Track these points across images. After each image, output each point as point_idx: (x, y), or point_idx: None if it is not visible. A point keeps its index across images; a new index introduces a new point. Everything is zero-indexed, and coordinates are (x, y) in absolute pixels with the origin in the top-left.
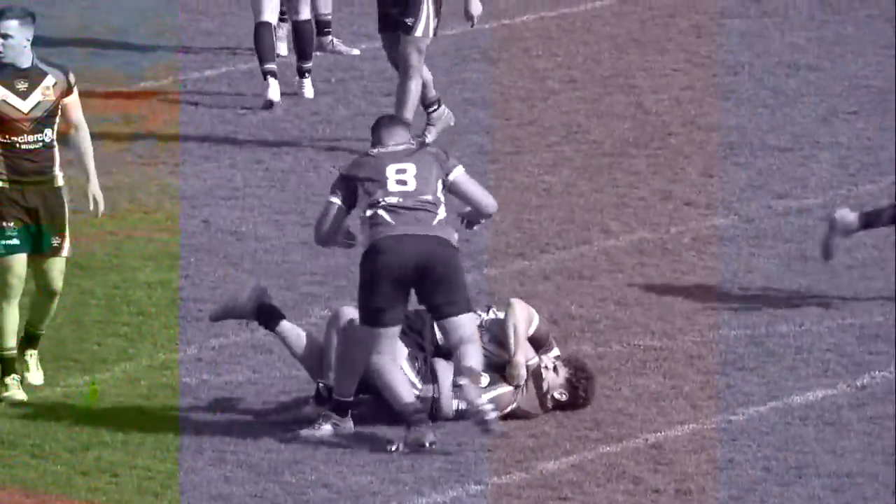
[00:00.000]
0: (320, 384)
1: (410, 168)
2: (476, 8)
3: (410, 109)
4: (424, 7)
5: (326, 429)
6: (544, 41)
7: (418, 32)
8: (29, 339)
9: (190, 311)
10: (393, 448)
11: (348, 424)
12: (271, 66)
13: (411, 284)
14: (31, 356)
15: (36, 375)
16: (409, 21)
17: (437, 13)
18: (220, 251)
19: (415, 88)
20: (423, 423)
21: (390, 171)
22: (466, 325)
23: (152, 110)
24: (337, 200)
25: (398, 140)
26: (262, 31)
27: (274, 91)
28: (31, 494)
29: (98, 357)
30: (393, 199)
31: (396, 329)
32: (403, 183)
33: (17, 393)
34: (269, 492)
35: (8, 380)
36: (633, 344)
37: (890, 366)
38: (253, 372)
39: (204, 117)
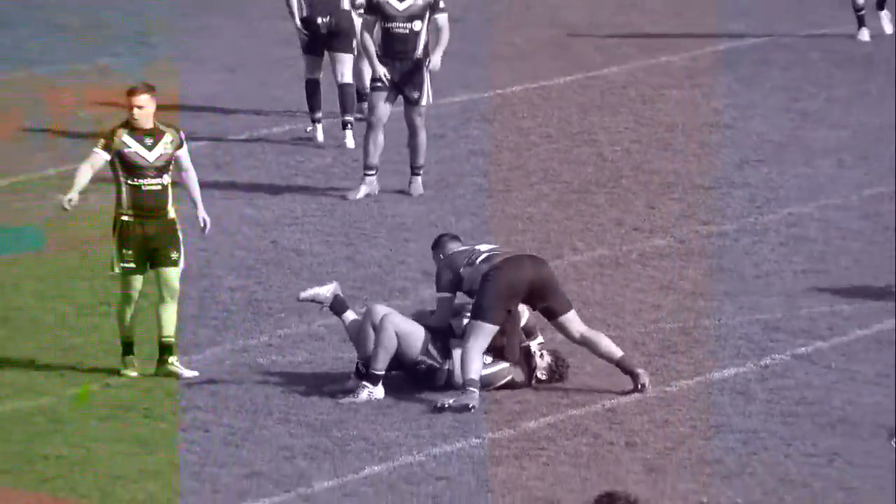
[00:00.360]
0: (359, 363)
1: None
2: (436, 65)
3: (423, 155)
4: (425, 82)
5: (364, 396)
6: (528, 106)
7: (423, 102)
8: (165, 349)
9: (262, 309)
10: (445, 404)
11: (380, 393)
12: (318, 114)
13: (523, 296)
14: (174, 363)
15: (187, 373)
16: (414, 95)
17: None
18: (285, 264)
19: (424, 139)
20: (474, 394)
21: (478, 247)
22: (576, 318)
23: (233, 158)
24: (447, 294)
25: (460, 246)
26: (310, 85)
27: (320, 134)
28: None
29: (193, 343)
30: (490, 247)
31: (496, 327)
32: (490, 244)
33: (132, 370)
34: (321, 444)
35: (127, 359)
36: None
37: (786, 350)
38: (309, 354)
39: (272, 163)
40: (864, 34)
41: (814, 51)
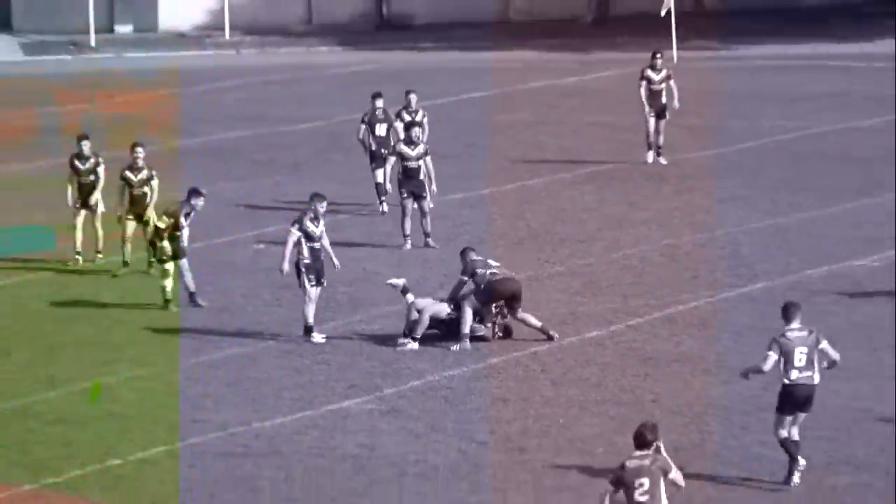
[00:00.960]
0: (406, 330)
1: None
2: (434, 191)
3: (430, 225)
4: (427, 191)
5: (409, 347)
6: (493, 200)
7: (427, 199)
8: (308, 328)
9: (357, 303)
10: (454, 348)
11: (416, 346)
12: (383, 198)
13: (504, 300)
14: (316, 336)
15: (319, 338)
16: (424, 195)
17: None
18: (370, 280)
19: (429, 218)
20: (466, 343)
21: (489, 260)
22: (520, 311)
23: (342, 226)
24: (464, 278)
25: (476, 255)
26: (378, 187)
27: (384, 207)
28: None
29: (321, 321)
30: (496, 264)
31: (481, 307)
32: (494, 261)
33: (318, 338)
34: (387, 370)
35: (314, 335)
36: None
37: (623, 322)
38: (380, 327)
39: (363, 228)
40: (649, 157)
41: (635, 171)
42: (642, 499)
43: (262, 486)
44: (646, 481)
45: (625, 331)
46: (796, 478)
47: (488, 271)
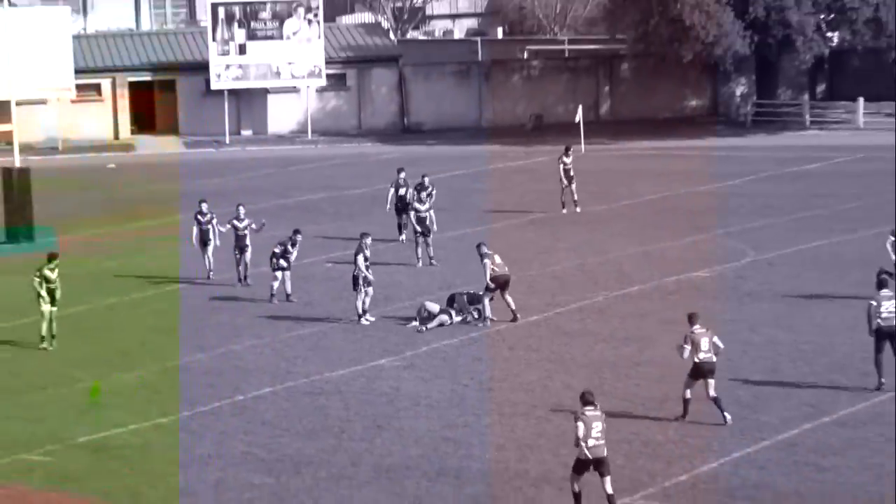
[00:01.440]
0: (416, 318)
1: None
2: (434, 230)
3: (432, 250)
4: (431, 228)
5: (412, 326)
6: (481, 236)
7: (430, 236)
8: (363, 314)
9: (390, 300)
10: (448, 323)
11: (417, 323)
12: (403, 232)
13: (501, 287)
14: (367, 318)
15: (366, 321)
16: (427, 232)
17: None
18: (398, 286)
19: (432, 248)
20: (489, 321)
21: (495, 256)
22: (510, 298)
23: (378, 252)
24: (486, 260)
25: (487, 249)
26: (399, 228)
27: (403, 237)
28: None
29: (366, 310)
30: (500, 261)
31: (492, 294)
32: (500, 261)
33: (365, 321)
34: (409, 342)
35: (364, 317)
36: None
37: (558, 309)
38: (404, 313)
39: (392, 251)
40: (564, 210)
41: (559, 218)
42: (598, 434)
43: (330, 412)
44: (600, 424)
45: (553, 316)
46: (729, 419)
47: (495, 264)
